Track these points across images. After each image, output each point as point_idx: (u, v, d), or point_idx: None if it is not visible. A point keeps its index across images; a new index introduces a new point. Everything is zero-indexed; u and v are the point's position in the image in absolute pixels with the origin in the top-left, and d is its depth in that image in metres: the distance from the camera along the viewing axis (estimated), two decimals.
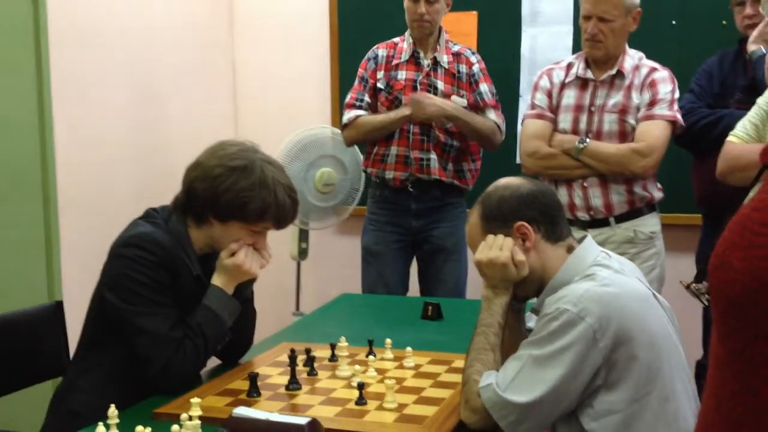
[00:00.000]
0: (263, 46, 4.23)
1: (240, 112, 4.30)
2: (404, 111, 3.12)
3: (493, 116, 3.20)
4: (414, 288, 3.41)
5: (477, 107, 3.19)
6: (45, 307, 2.33)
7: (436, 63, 3.21)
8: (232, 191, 1.89)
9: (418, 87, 3.18)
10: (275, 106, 4.20)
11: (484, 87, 3.20)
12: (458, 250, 3.25)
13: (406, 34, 3.26)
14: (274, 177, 1.93)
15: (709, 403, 0.86)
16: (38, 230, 2.95)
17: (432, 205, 3.24)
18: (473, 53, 3.27)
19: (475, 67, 3.21)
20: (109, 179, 3.36)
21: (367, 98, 3.23)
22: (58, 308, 2.33)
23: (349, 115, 3.22)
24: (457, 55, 3.23)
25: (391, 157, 3.21)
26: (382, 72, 3.24)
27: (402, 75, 3.21)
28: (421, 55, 3.21)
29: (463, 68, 3.21)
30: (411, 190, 3.23)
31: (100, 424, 1.53)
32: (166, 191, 2.09)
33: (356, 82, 3.28)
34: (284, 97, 4.20)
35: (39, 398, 2.12)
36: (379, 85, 3.23)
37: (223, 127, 4.13)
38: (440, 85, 3.18)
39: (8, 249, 2.82)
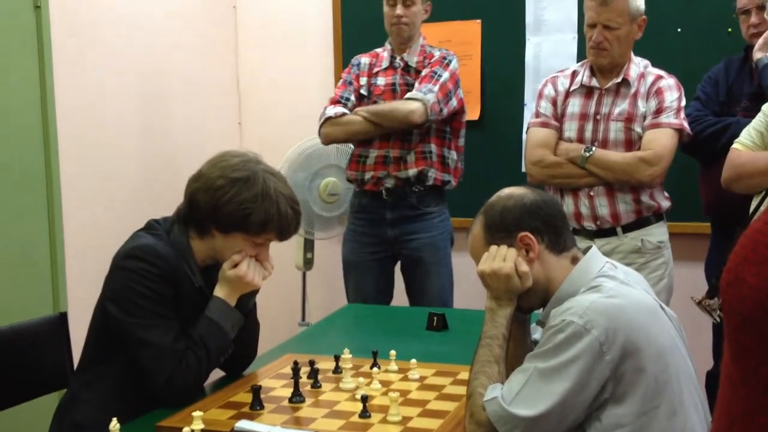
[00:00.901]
0: (267, 54, 4.24)
1: (245, 120, 4.30)
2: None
3: (416, 87, 3.10)
4: (400, 297, 3.37)
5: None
6: (49, 318, 2.32)
7: (406, 64, 3.21)
8: (234, 203, 1.89)
9: (398, 89, 3.19)
10: (280, 114, 4.21)
11: (426, 70, 3.15)
12: (437, 261, 3.19)
13: (386, 43, 3.27)
14: (276, 188, 1.92)
15: (720, 422, 0.84)
16: (43, 242, 2.94)
17: (408, 214, 3.18)
18: (443, 51, 3.23)
19: (434, 58, 3.18)
20: (113, 188, 3.36)
21: (352, 98, 3.22)
22: (62, 320, 2.32)
23: (334, 110, 3.18)
24: (428, 55, 3.21)
25: (370, 158, 3.18)
26: (365, 78, 3.24)
27: (381, 80, 3.23)
28: (397, 59, 3.23)
29: (427, 62, 3.19)
30: (386, 198, 3.18)
31: None
32: (170, 199, 2.08)
33: (340, 83, 3.28)
34: (289, 106, 4.20)
35: (43, 410, 2.11)
36: (362, 91, 3.23)
37: (228, 136, 4.13)
38: (416, 84, 3.15)
39: (13, 261, 2.81)
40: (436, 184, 3.18)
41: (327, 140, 3.26)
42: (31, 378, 2.21)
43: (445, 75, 3.15)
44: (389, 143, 3.16)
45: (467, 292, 3.32)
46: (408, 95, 3.11)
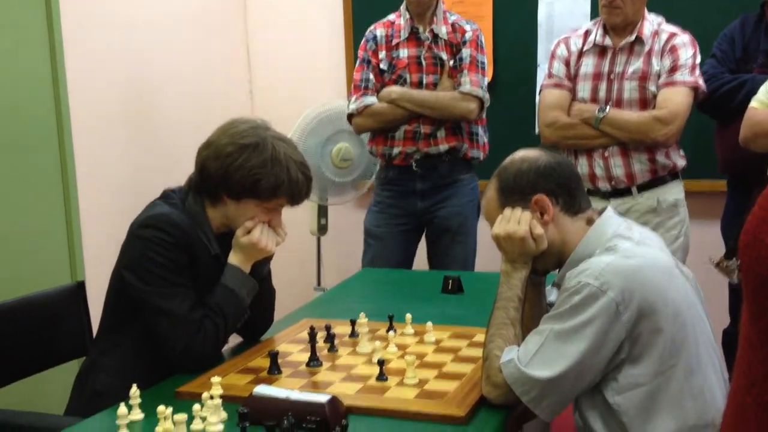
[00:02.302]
0: (277, 22, 4.20)
1: (255, 89, 4.28)
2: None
3: (467, 80, 3.06)
4: (423, 266, 3.36)
5: (456, 72, 3.09)
6: (67, 287, 2.35)
7: (435, 36, 3.12)
8: (244, 169, 1.88)
9: (423, 62, 3.11)
10: (290, 82, 4.18)
11: (467, 51, 3.09)
12: (465, 231, 3.17)
13: (402, 9, 3.17)
14: (286, 153, 1.92)
15: (739, 382, 0.84)
16: (58, 212, 2.96)
17: (439, 184, 3.15)
18: (468, 22, 3.17)
19: (468, 35, 3.11)
20: (127, 156, 3.36)
21: (372, 78, 3.15)
22: (80, 288, 2.35)
23: (359, 103, 3.13)
24: (454, 25, 3.14)
25: (399, 133, 3.12)
26: (384, 52, 3.15)
27: (404, 53, 3.13)
28: (420, 29, 3.12)
29: (460, 37, 3.12)
30: (416, 169, 3.14)
31: (122, 404, 1.54)
32: (183, 168, 2.08)
33: (358, 64, 3.20)
34: (299, 73, 4.17)
35: (64, 378, 2.14)
36: (381, 66, 3.15)
37: (239, 106, 4.11)
38: (444, 56, 3.10)
39: (30, 232, 2.83)
40: (466, 158, 3.16)
41: (359, 131, 3.25)
42: (52, 346, 2.24)
43: (485, 61, 3.13)
44: (420, 119, 3.09)
45: (489, 261, 3.30)
46: (464, 90, 3.03)
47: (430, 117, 3.08)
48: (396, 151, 3.14)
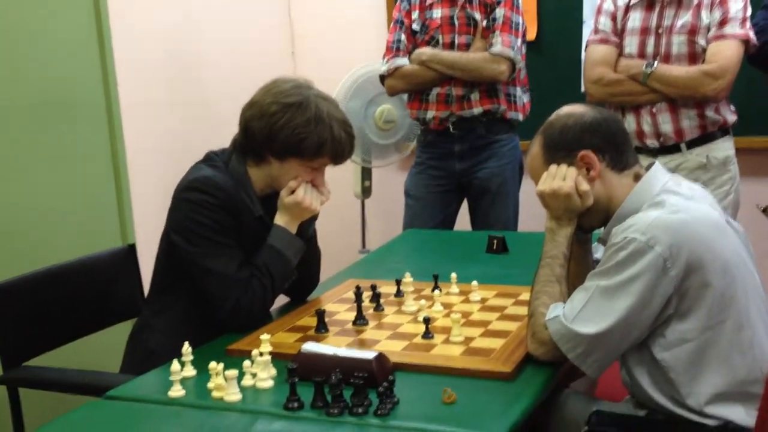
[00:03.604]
0: None
1: (298, 52, 4.28)
2: None
3: (499, 41, 2.98)
4: (464, 228, 3.35)
5: (488, 32, 3.02)
6: (119, 250, 2.40)
7: None
8: (288, 128, 1.89)
9: (456, 22, 3.06)
10: (332, 44, 4.17)
11: (501, 11, 3.01)
12: (504, 191, 3.13)
13: None
14: (329, 112, 1.92)
15: None
16: (108, 177, 3.02)
17: (477, 144, 3.11)
18: None
19: None
20: (173, 119, 3.40)
21: (404, 39, 3.12)
22: (131, 251, 2.40)
23: (390, 65, 3.11)
24: None
25: (432, 95, 3.10)
26: (417, 12, 3.11)
27: (437, 13, 3.08)
28: None
29: None
30: (453, 131, 3.10)
31: (175, 360, 1.58)
32: (226, 128, 2.10)
33: (392, 25, 3.17)
34: (341, 35, 4.16)
35: (118, 338, 2.20)
36: (414, 26, 3.11)
37: (281, 69, 4.11)
38: (477, 16, 3.04)
39: (82, 198, 2.90)
40: (504, 118, 3.11)
41: (392, 92, 3.23)
42: (105, 308, 2.30)
43: (520, 21, 3.05)
44: (451, 81, 3.05)
45: (531, 222, 3.28)
46: (495, 51, 2.97)
47: (462, 79, 3.04)
48: (430, 115, 3.11)
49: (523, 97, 3.15)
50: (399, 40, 3.13)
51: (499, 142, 3.13)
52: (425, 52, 3.07)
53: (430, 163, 3.21)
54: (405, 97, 3.30)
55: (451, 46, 3.07)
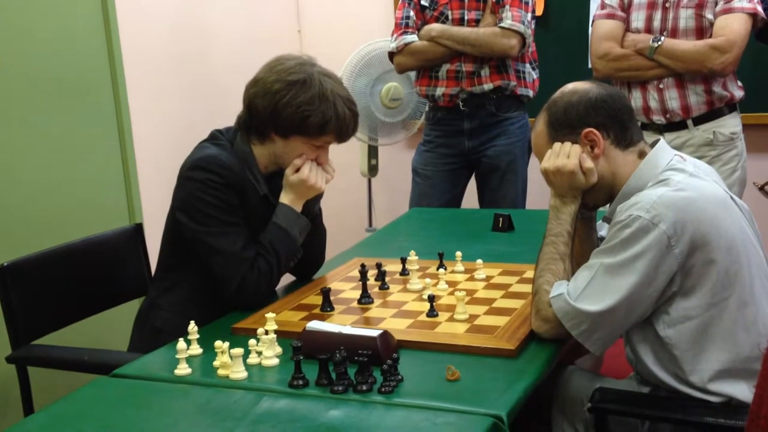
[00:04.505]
0: None
1: (304, 30, 4.26)
2: None
3: (509, 15, 2.96)
4: (472, 207, 3.35)
5: (498, 7, 3.00)
6: (126, 229, 2.41)
7: None
8: (292, 105, 1.89)
9: None
10: (339, 22, 4.15)
11: None
12: (514, 169, 3.12)
13: None
14: (333, 89, 1.92)
15: None
16: (115, 157, 3.03)
17: (487, 122, 3.10)
18: None
19: None
20: (178, 97, 3.40)
21: (413, 15, 3.10)
22: (138, 230, 2.41)
23: (399, 41, 3.10)
24: None
25: (441, 72, 3.08)
26: None
27: None
28: None
29: None
30: (463, 108, 3.09)
31: (181, 339, 1.60)
32: (230, 108, 2.10)
33: (401, 1, 3.15)
34: (347, 11, 4.13)
35: (126, 317, 2.22)
36: (423, 2, 3.09)
37: (288, 47, 4.10)
38: (508, 10, 3.00)
39: (90, 178, 2.91)
40: (515, 94, 3.10)
41: (401, 70, 3.21)
42: (113, 286, 2.31)
43: None
44: (462, 57, 3.04)
45: (538, 200, 3.28)
46: (505, 25, 2.95)
47: (472, 55, 3.02)
48: (440, 92, 3.09)
49: (532, 73, 3.14)
50: (408, 17, 3.11)
51: (509, 120, 3.12)
52: (435, 27, 3.05)
53: (439, 141, 3.20)
54: (413, 75, 3.29)
55: (460, 21, 3.05)
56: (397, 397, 1.41)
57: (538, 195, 3.08)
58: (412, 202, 3.28)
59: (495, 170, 3.14)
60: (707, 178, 1.65)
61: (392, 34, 3.16)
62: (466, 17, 3.05)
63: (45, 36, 2.73)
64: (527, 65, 3.11)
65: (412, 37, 3.09)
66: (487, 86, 3.05)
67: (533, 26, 3.06)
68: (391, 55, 3.17)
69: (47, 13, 2.73)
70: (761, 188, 2.21)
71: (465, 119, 3.12)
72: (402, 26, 3.12)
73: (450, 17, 3.06)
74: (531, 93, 3.14)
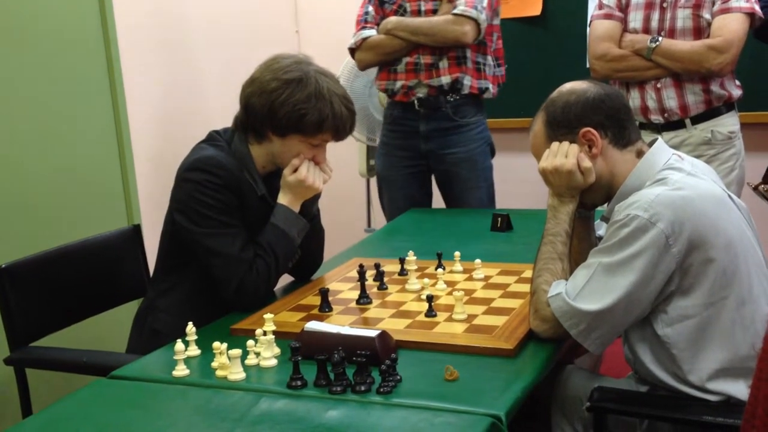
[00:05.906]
0: None
1: (302, 31, 4.26)
2: None
3: (462, 1, 2.90)
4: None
5: None
6: (124, 230, 2.41)
7: None
8: (288, 104, 1.89)
9: None
10: (337, 23, 4.14)
11: None
12: (476, 176, 3.04)
13: None
14: (329, 88, 1.92)
15: None
16: (113, 158, 3.02)
17: (444, 126, 3.02)
18: None
19: None
20: (177, 97, 3.39)
21: (371, 11, 3.07)
22: (136, 231, 2.41)
23: (357, 37, 3.06)
24: None
25: (401, 65, 3.02)
26: None
27: None
28: None
29: None
30: (418, 108, 3.03)
31: (179, 340, 1.59)
32: (229, 108, 2.09)
33: None
34: (346, 14, 4.12)
35: (124, 318, 2.22)
36: None
37: (285, 46, 4.10)
38: None
39: (88, 179, 2.90)
40: (473, 93, 3.02)
41: (361, 66, 3.15)
42: (111, 288, 2.31)
43: None
44: (420, 49, 2.99)
45: (539, 195, 3.26)
46: (457, 11, 2.89)
47: (431, 47, 2.97)
48: (398, 85, 3.04)
49: (494, 67, 3.07)
50: (367, 13, 3.08)
51: (467, 126, 3.04)
52: (390, 20, 3.01)
53: (395, 143, 3.13)
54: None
55: (418, 13, 3.01)
56: (395, 397, 1.41)
57: (538, 195, 3.07)
58: (384, 208, 3.22)
59: (456, 178, 3.06)
60: (705, 177, 1.65)
61: (355, 30, 3.13)
62: (423, 8, 3.01)
63: (41, 33, 2.72)
64: (489, 58, 3.04)
65: (370, 32, 3.05)
66: (445, 79, 2.98)
67: (497, 21, 3.00)
68: (352, 51, 3.12)
69: (45, 9, 2.73)
70: (755, 188, 2.21)
71: (420, 120, 3.05)
72: (362, 22, 3.08)
73: (408, 9, 3.02)
74: (490, 85, 3.05)
